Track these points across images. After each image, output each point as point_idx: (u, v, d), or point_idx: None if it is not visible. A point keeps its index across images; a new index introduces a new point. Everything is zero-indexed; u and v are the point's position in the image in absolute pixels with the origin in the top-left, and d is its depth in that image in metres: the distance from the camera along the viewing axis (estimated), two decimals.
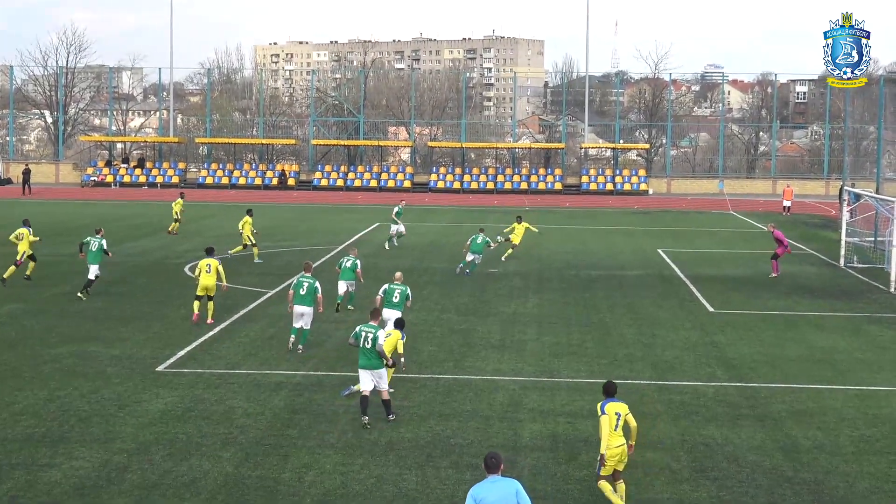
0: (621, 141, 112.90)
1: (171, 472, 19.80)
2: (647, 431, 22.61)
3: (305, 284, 30.37)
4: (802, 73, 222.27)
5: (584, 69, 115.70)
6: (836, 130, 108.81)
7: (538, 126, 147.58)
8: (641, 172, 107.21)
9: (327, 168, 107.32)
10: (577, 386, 26.60)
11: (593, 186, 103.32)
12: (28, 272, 41.34)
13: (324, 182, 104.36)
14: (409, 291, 29.92)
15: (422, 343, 30.70)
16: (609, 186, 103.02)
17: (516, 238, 49.76)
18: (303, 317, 30.23)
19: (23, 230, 41.31)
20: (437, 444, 21.64)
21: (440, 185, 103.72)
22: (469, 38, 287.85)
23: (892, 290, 42.56)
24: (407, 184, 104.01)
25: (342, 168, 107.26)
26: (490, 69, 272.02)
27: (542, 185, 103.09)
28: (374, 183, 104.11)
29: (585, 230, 66.29)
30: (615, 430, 18.43)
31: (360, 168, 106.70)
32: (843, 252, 50.53)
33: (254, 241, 49.00)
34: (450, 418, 23.48)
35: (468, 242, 46.44)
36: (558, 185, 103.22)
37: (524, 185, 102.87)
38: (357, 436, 22.07)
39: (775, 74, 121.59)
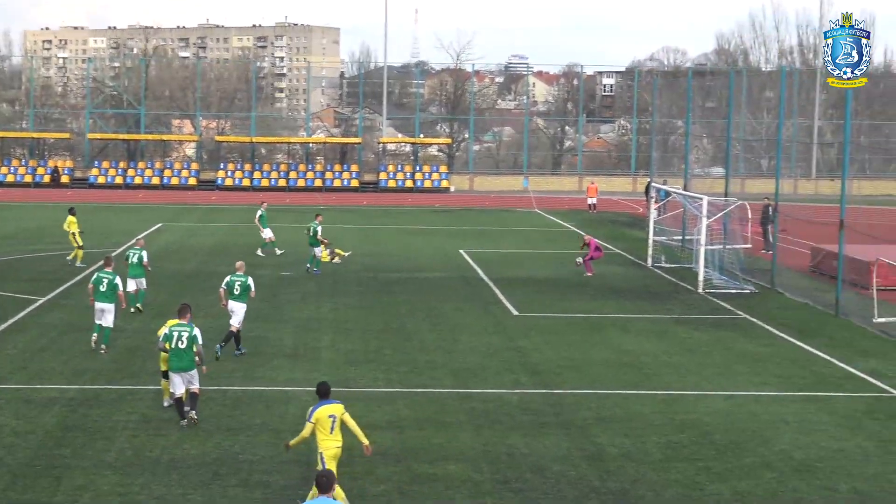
0: (422, 135, 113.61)
1: None
2: (447, 442, 22.85)
3: (105, 280, 30.93)
4: (609, 65, 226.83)
5: (383, 59, 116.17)
6: (644, 125, 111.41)
7: (333, 119, 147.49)
8: (443, 169, 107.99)
9: (105, 164, 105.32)
10: (374, 396, 26.68)
11: (392, 184, 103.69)
12: None
13: (101, 179, 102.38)
14: (250, 282, 30.76)
15: (208, 352, 30.36)
16: (409, 183, 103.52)
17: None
18: (104, 313, 30.76)
19: None
20: (224, 461, 21.46)
21: (228, 182, 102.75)
22: (259, 25, 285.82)
23: (700, 290, 43.76)
24: (192, 181, 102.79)
25: (121, 164, 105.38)
26: (282, 58, 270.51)
27: (337, 183, 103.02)
28: (156, 180, 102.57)
29: (384, 230, 66.50)
30: (331, 432, 18.77)
31: (140, 164, 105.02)
32: (650, 251, 51.76)
33: (80, 243, 47.95)
34: (238, 433, 23.31)
35: (307, 232, 47.65)
36: (355, 183, 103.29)
37: (318, 183, 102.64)
38: (137, 454, 21.75)
39: (581, 66, 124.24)
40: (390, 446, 22.57)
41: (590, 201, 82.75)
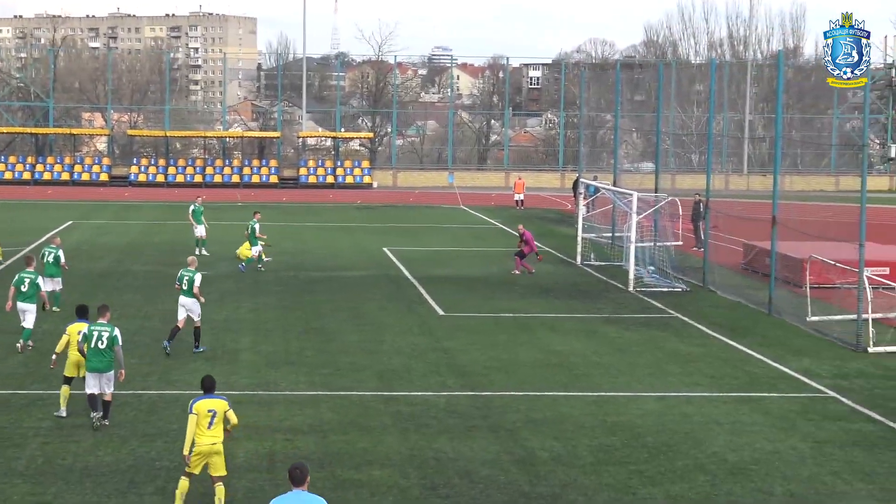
0: (343, 129, 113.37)
1: None
2: (372, 447, 22.83)
3: (27, 280, 31.33)
4: (535, 57, 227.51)
5: (302, 50, 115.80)
6: (572, 118, 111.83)
7: (251, 113, 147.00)
8: (365, 164, 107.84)
9: (12, 159, 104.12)
10: (296, 399, 26.62)
11: (312, 179, 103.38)
12: None
13: (8, 175, 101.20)
14: (196, 277, 31.30)
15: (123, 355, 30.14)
16: (330, 179, 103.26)
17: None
18: (25, 314, 31.21)
19: None
20: (140, 468, 21.31)
21: (142, 178, 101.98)
22: (173, 15, 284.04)
23: (631, 288, 44.03)
24: (104, 177, 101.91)
25: (29, 159, 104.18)
26: (197, 49, 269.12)
27: (256, 179, 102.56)
28: (66, 176, 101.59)
29: (304, 228, 66.28)
30: (208, 428, 19.19)
31: (49, 159, 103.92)
32: (579, 249, 51.97)
33: None
34: (155, 438, 23.16)
35: (247, 232, 47.84)
36: (274, 179, 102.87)
37: (236, 179, 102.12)
38: (48, 461, 21.55)
39: (507, 58, 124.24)
40: (313, 451, 22.54)
41: (517, 197, 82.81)
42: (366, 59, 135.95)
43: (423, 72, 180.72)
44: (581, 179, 59.41)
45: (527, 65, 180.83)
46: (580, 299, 42.06)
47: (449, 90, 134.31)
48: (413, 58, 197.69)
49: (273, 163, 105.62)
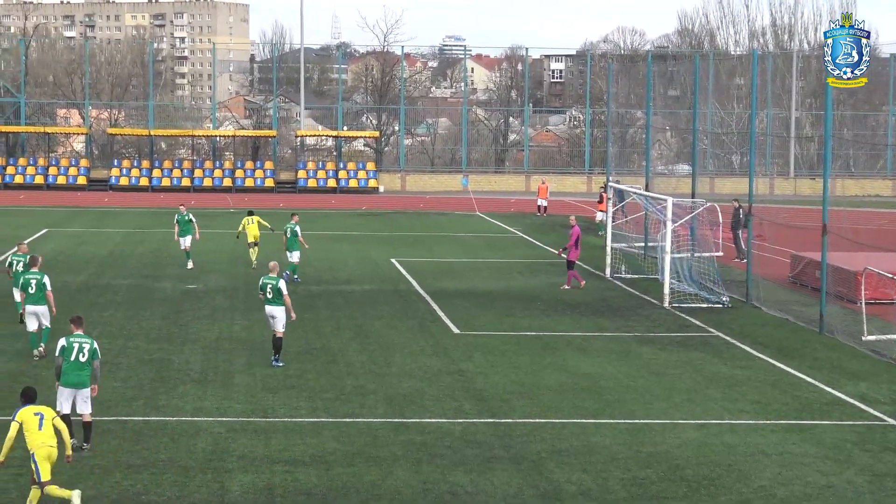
0: (345, 127, 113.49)
1: None
2: (381, 480, 22.78)
3: (34, 281, 32.07)
4: (558, 48, 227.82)
5: (299, 40, 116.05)
6: (599, 116, 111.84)
7: (244, 109, 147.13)
8: (370, 166, 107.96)
9: None
10: (296, 427, 26.58)
11: (312, 183, 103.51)
12: None
13: None
14: (280, 285, 32.55)
15: (104, 377, 30.14)
16: (331, 183, 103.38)
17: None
18: (37, 316, 32.06)
19: None
20: (124, 503, 21.29)
21: (123, 181, 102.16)
22: (156, 1, 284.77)
23: (666, 304, 43.94)
24: (82, 180, 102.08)
25: None
26: (183, 39, 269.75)
27: (249, 182, 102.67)
28: (39, 179, 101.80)
29: (304, 237, 66.16)
30: (40, 429, 19.88)
31: (21, 161, 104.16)
32: (608, 260, 51.90)
33: None
34: (140, 470, 23.14)
35: (286, 236, 48.44)
36: (270, 182, 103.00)
37: (228, 182, 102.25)
38: (22, 494, 21.44)
39: (526, 49, 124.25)
40: (316, 484, 22.49)
41: (540, 203, 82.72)
42: (370, 49, 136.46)
43: (433, 64, 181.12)
44: (609, 184, 59.34)
45: (548, 56, 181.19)
46: (610, 316, 41.98)
47: (462, 84, 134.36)
48: (422, 48, 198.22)
49: (268, 165, 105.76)
